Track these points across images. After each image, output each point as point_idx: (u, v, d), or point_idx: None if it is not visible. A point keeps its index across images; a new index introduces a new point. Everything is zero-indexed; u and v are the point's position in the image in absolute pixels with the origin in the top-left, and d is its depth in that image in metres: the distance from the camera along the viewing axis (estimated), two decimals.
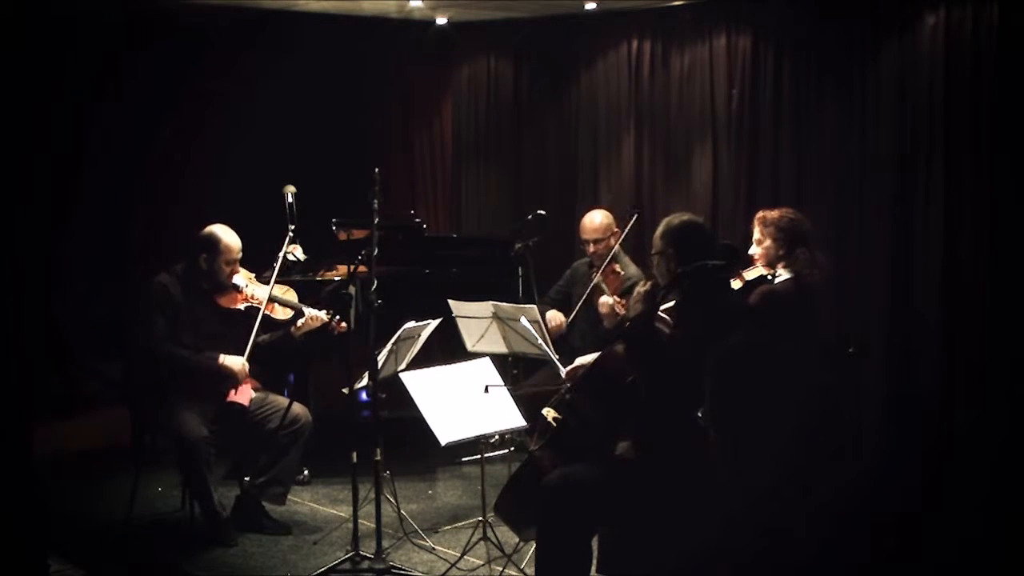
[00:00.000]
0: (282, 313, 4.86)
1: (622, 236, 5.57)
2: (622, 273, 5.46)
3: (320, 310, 4.88)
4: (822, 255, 4.60)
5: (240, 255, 4.78)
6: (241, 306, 4.78)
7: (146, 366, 4.78)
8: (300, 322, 4.85)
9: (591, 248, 5.61)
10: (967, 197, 5.39)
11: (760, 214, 4.67)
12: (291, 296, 4.97)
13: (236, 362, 4.69)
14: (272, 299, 4.82)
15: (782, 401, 3.61)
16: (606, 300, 5.23)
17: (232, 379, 4.69)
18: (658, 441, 3.43)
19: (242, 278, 4.85)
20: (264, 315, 4.77)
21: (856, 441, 5.58)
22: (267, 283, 4.86)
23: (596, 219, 5.64)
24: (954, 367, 5.46)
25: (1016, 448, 5.00)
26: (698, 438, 3.45)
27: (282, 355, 5.16)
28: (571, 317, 5.57)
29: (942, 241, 5.46)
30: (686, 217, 3.67)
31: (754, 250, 4.66)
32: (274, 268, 4.87)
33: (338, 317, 4.88)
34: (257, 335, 4.73)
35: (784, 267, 4.54)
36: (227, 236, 4.75)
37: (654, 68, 6.67)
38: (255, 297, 4.81)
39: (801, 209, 5.93)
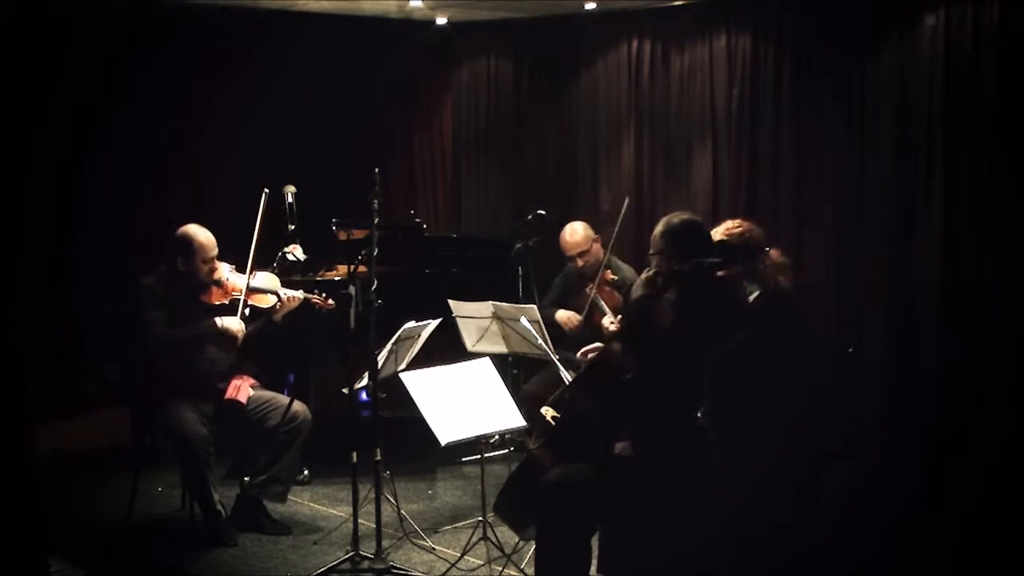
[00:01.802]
0: (265, 300, 4.86)
1: (616, 227, 5.52)
2: (616, 278, 5.45)
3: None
4: (775, 250, 4.39)
5: (216, 252, 4.75)
6: (226, 300, 4.79)
7: (146, 366, 4.78)
8: (278, 305, 4.86)
9: (579, 262, 5.60)
10: (967, 197, 5.39)
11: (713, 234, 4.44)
12: (273, 282, 4.96)
13: (233, 322, 4.70)
14: (252, 289, 4.82)
15: (781, 401, 3.60)
16: (605, 322, 5.23)
17: (232, 339, 4.69)
18: (657, 441, 3.43)
19: (223, 271, 4.84)
20: (249, 305, 4.79)
21: (856, 440, 5.57)
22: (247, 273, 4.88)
23: (573, 236, 5.60)
24: (954, 366, 5.46)
25: (1016, 447, 5.00)
26: (697, 438, 3.44)
27: (279, 352, 5.16)
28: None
29: (942, 241, 5.46)
30: (686, 216, 3.67)
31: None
32: (250, 258, 4.85)
33: (324, 295, 4.92)
34: (243, 319, 4.73)
35: (749, 283, 4.34)
36: (201, 234, 4.70)
37: (654, 68, 6.67)
38: (237, 288, 4.82)
39: (801, 208, 5.96)
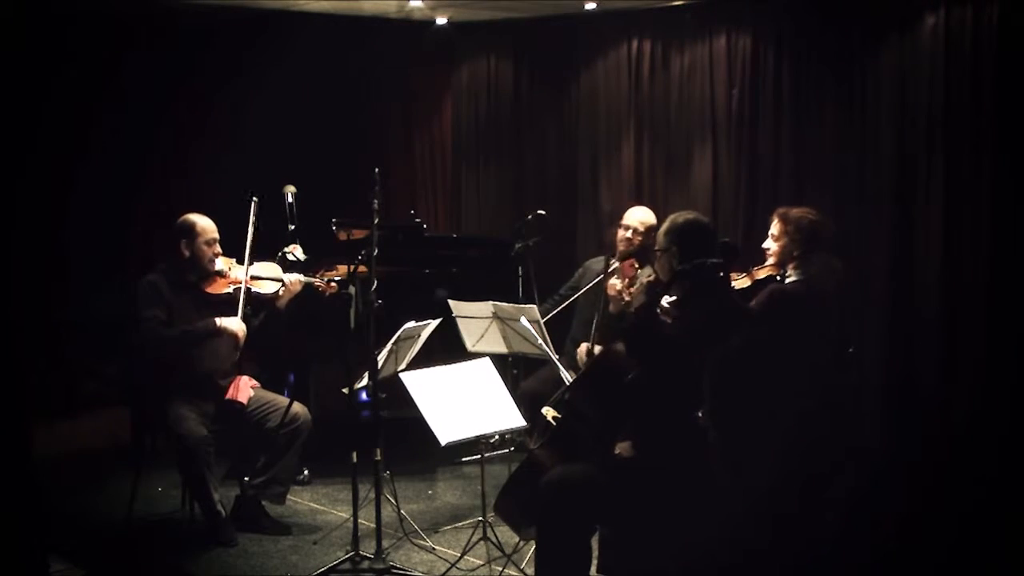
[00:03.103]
0: (267, 287, 4.88)
1: None
2: (637, 268, 5.42)
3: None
4: (838, 260, 4.59)
5: (217, 236, 4.82)
6: (229, 289, 4.80)
7: (146, 365, 4.78)
8: (282, 291, 4.87)
9: (627, 234, 5.48)
10: (967, 197, 5.39)
11: (781, 210, 4.61)
12: (274, 270, 4.98)
13: (233, 322, 4.70)
14: (254, 277, 4.84)
15: (783, 402, 3.60)
16: (615, 283, 5.15)
17: (234, 339, 4.69)
18: (657, 441, 3.43)
19: (223, 263, 4.87)
20: (252, 292, 4.80)
21: (856, 441, 5.58)
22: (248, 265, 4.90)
23: (641, 211, 5.52)
24: (954, 367, 5.46)
25: (1016, 448, 5.00)
26: (698, 438, 3.44)
27: (279, 351, 5.15)
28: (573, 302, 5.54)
29: (942, 241, 5.46)
30: (691, 215, 3.66)
31: (768, 244, 4.62)
32: (247, 246, 4.87)
33: (327, 279, 4.95)
34: (244, 311, 4.74)
35: (795, 268, 4.50)
36: (201, 219, 4.81)
37: (654, 68, 6.67)
38: (238, 278, 4.83)
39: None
